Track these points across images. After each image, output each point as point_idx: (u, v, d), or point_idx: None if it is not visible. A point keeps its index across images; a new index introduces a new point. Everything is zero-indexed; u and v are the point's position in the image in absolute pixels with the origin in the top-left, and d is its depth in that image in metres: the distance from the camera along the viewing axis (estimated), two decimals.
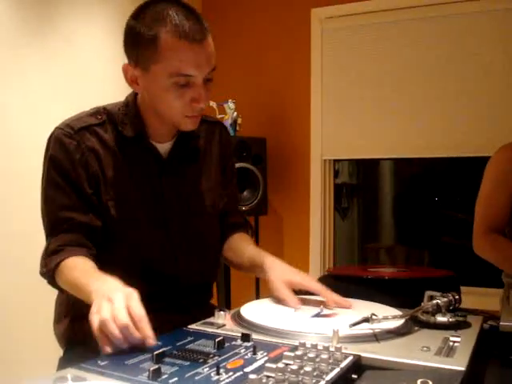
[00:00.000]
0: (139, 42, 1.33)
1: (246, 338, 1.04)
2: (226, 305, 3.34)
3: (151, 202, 1.46)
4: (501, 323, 1.22)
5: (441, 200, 5.22)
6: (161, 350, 0.94)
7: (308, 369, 0.83)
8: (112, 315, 1.02)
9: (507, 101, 3.15)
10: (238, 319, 1.20)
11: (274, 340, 1.05)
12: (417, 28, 3.40)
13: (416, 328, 1.16)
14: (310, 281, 1.39)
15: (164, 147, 1.49)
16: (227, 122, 3.47)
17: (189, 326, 1.17)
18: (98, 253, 1.39)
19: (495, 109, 3.17)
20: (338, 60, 3.60)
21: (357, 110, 3.55)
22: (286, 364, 0.86)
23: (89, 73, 3.08)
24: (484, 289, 3.18)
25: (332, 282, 1.62)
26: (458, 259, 4.12)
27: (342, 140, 3.59)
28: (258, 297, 3.48)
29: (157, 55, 1.31)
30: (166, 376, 0.86)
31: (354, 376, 0.91)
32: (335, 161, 4.35)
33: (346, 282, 1.59)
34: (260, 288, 3.48)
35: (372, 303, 1.32)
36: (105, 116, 1.46)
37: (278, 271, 1.42)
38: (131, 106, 1.46)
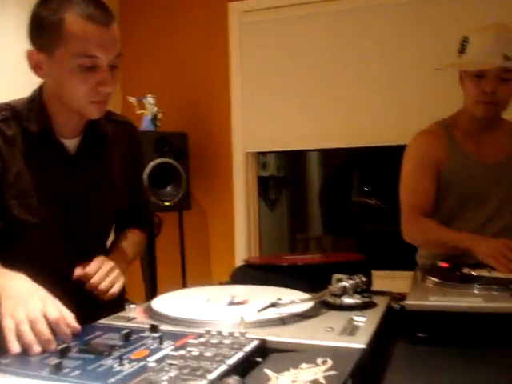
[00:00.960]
0: (44, 27, 1.32)
1: (154, 329, 1.04)
2: (153, 297, 3.32)
3: (57, 201, 1.43)
4: (406, 302, 1.27)
5: (365, 188, 5.33)
6: (65, 345, 0.93)
7: (209, 354, 0.84)
8: (28, 320, 1.01)
9: (422, 90, 3.24)
10: (149, 312, 1.19)
11: (184, 330, 1.05)
12: (333, 20, 3.46)
13: (324, 310, 1.19)
14: None
15: (71, 143, 1.47)
16: (147, 118, 3.44)
17: (98, 321, 1.16)
18: (1, 253, 1.35)
19: (412, 98, 3.27)
20: (257, 53, 3.62)
21: (279, 102, 3.58)
22: (190, 351, 0.87)
23: None
24: (407, 272, 3.27)
25: (249, 271, 1.64)
26: (383, 244, 4.23)
27: (265, 132, 3.61)
28: (184, 276, 3.47)
29: (62, 39, 1.30)
30: (67, 370, 0.85)
31: (259, 359, 0.92)
32: (261, 153, 4.39)
33: (262, 270, 1.61)
34: (186, 278, 3.48)
35: (285, 289, 1.34)
36: (9, 112, 1.43)
37: None
38: (36, 100, 1.44)
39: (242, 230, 3.65)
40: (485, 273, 1.51)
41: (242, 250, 3.61)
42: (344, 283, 1.23)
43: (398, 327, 1.33)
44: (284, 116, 3.58)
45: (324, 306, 1.21)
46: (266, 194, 5.43)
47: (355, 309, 1.19)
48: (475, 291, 1.35)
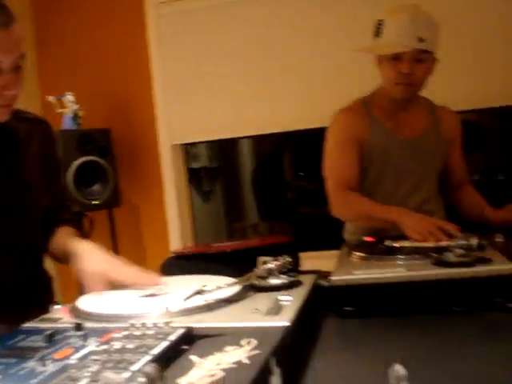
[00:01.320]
0: None
1: (78, 327, 1.02)
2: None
3: None
4: (331, 278, 1.29)
5: (300, 173, 5.37)
6: None
7: (132, 346, 0.84)
8: None
9: (342, 72, 3.28)
10: (75, 311, 1.17)
11: (109, 326, 1.03)
12: (252, 7, 3.47)
13: (251, 293, 1.19)
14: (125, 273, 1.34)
15: None
16: (68, 116, 3.37)
17: (23, 325, 1.13)
18: None
19: (334, 80, 3.31)
20: (177, 44, 3.59)
21: (203, 92, 3.57)
22: (113, 345, 0.86)
23: None
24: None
25: (178, 262, 1.64)
26: (316, 226, 4.28)
27: (191, 123, 3.60)
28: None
29: None
30: None
31: (185, 347, 0.92)
32: (190, 145, 4.37)
33: (191, 260, 1.61)
34: None
35: (212, 276, 1.34)
36: None
37: (89, 260, 1.38)
38: None
39: (175, 223, 3.63)
40: (406, 243, 1.56)
41: (177, 243, 3.60)
42: (269, 265, 1.24)
43: (327, 304, 1.36)
44: (209, 106, 3.57)
45: (251, 289, 1.22)
46: (199, 186, 5.41)
47: (281, 289, 1.20)
48: (399, 262, 1.39)
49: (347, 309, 1.29)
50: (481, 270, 1.24)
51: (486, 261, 1.29)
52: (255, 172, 5.90)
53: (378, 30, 1.95)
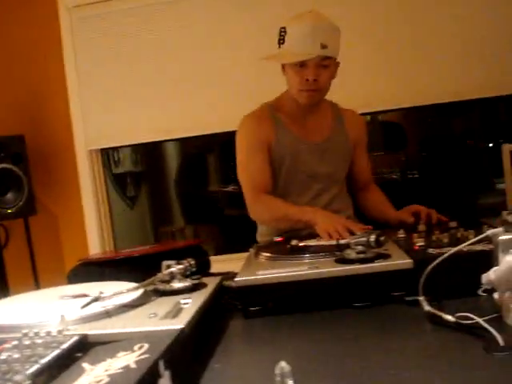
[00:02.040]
0: None
1: None
2: (5, 296, 3.16)
3: None
4: (235, 279, 1.30)
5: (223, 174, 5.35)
6: None
7: (17, 355, 0.82)
8: None
9: (259, 76, 3.29)
10: None
11: (3, 336, 1.01)
12: (168, 9, 3.45)
13: (154, 298, 1.19)
14: None
15: None
16: None
17: None
18: None
19: (250, 84, 3.32)
20: (93, 47, 3.53)
21: (122, 96, 3.52)
22: (1, 356, 0.84)
23: None
24: None
25: (85, 269, 1.61)
26: (240, 228, 4.29)
27: (109, 128, 3.54)
28: (37, 286, 3.33)
29: None
30: None
31: (79, 354, 0.91)
32: (112, 150, 4.29)
33: (100, 266, 1.59)
34: (41, 286, 3.34)
35: (115, 282, 1.33)
36: None
37: None
38: None
39: (94, 230, 3.56)
40: (311, 242, 1.59)
41: (96, 251, 3.53)
42: (172, 269, 1.24)
43: (234, 304, 1.37)
44: (129, 110, 3.52)
45: (155, 294, 1.22)
46: (124, 191, 5.32)
47: (184, 292, 1.20)
48: (304, 261, 1.41)
49: (252, 309, 1.30)
50: (379, 265, 1.28)
51: (385, 256, 1.33)
52: (180, 176, 5.85)
53: (281, 38, 1.96)
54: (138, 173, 5.58)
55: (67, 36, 3.53)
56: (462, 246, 1.16)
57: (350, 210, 2.23)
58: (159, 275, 1.23)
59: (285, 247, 1.58)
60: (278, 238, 1.75)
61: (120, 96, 3.52)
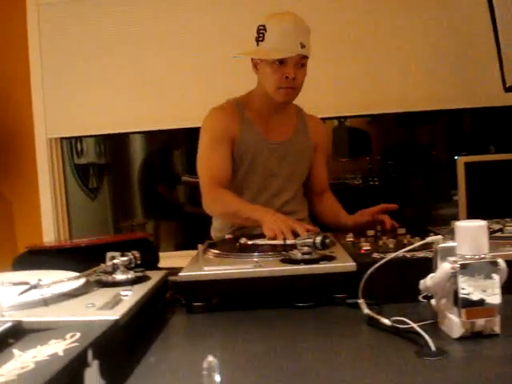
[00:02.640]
0: None
1: None
2: None
3: None
4: (180, 274, 1.30)
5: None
6: None
7: None
8: None
9: (228, 72, 3.28)
10: None
11: None
12: (135, 1, 3.42)
13: (95, 288, 1.18)
14: None
15: None
16: None
17: None
18: None
19: (223, 81, 3.31)
20: (59, 34, 3.47)
21: (88, 86, 3.47)
22: None
23: None
24: None
25: (31, 257, 1.59)
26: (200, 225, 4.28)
27: (73, 117, 3.48)
28: None
29: None
30: None
31: (11, 340, 0.90)
32: (75, 140, 4.25)
33: (45, 255, 1.57)
34: None
35: (57, 271, 1.31)
36: None
37: None
38: None
39: (49, 218, 3.51)
40: (260, 241, 1.59)
41: (51, 240, 3.48)
42: (115, 260, 1.23)
43: (178, 299, 1.37)
44: (95, 100, 3.47)
45: (97, 285, 1.21)
46: (86, 183, 5.27)
47: (125, 284, 1.19)
48: (252, 259, 1.41)
49: (196, 304, 1.30)
50: (323, 267, 1.29)
51: (329, 258, 1.34)
52: (144, 170, 5.80)
53: (260, 35, 1.98)
54: (102, 165, 5.53)
55: (33, 23, 3.47)
56: (401, 252, 1.17)
57: (306, 212, 2.25)
58: (102, 266, 1.23)
59: (234, 245, 1.58)
60: (229, 236, 1.75)
61: (85, 85, 3.47)
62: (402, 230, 1.69)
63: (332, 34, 3.32)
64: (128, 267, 1.25)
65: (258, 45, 1.99)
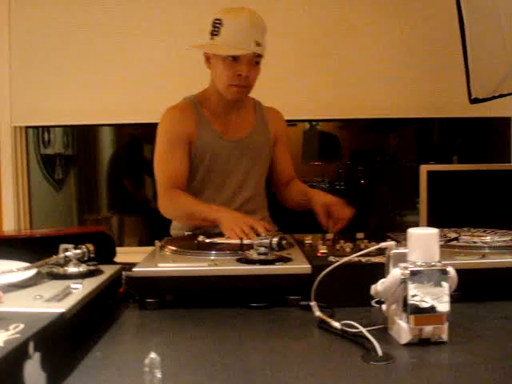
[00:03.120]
0: None
1: None
2: None
3: None
4: (134, 269, 1.29)
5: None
6: None
7: None
8: None
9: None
10: None
11: None
12: None
13: (46, 280, 1.16)
14: None
15: None
16: None
17: None
18: None
19: (192, 75, 3.25)
20: (30, 23, 3.40)
21: (57, 75, 3.38)
22: None
23: None
24: None
25: None
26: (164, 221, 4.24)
27: (37, 106, 3.41)
28: None
29: None
30: None
31: None
32: (42, 129, 4.17)
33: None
34: None
35: (7, 261, 1.28)
36: None
37: None
38: None
39: (10, 208, 3.44)
40: (218, 240, 1.58)
41: (10, 229, 3.41)
42: (67, 253, 1.21)
43: (132, 294, 1.36)
44: (61, 90, 3.40)
45: (48, 276, 1.19)
46: (51, 174, 5.19)
47: (77, 277, 1.18)
48: (209, 257, 1.41)
49: (149, 300, 1.29)
50: (277, 268, 1.29)
51: (285, 260, 1.34)
52: (112, 163, 5.75)
53: (215, 29, 1.93)
54: (69, 156, 5.46)
55: (2, 9, 3.39)
56: (354, 256, 1.18)
57: (266, 211, 2.23)
58: (54, 258, 1.21)
59: (192, 243, 1.57)
60: (189, 233, 1.74)
61: (54, 74, 3.39)
62: (360, 235, 1.69)
63: (305, 37, 3.32)
64: (81, 260, 1.24)
65: (212, 38, 1.94)
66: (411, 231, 1.02)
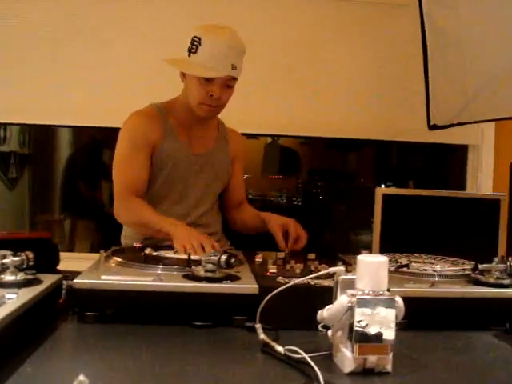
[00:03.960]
0: None
1: None
2: None
3: None
4: (75, 280, 1.24)
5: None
6: None
7: None
8: None
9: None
10: None
11: None
12: None
13: None
14: None
15: None
16: None
17: None
18: None
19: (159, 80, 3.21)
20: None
21: (12, 70, 3.29)
22: None
23: None
24: None
25: None
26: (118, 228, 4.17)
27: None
28: None
29: None
30: None
31: None
32: None
33: None
34: None
35: None
36: None
37: None
38: None
39: None
40: (166, 253, 1.54)
41: None
42: (4, 260, 1.16)
43: (72, 306, 1.31)
44: (17, 86, 3.30)
45: None
46: (5, 172, 5.07)
47: (12, 286, 1.12)
48: (155, 271, 1.37)
49: (89, 314, 1.24)
50: (223, 286, 1.26)
51: (233, 278, 1.31)
52: (69, 165, 5.64)
53: (193, 47, 1.90)
54: (24, 154, 5.33)
55: None
56: (302, 280, 1.15)
57: (219, 225, 2.22)
58: None
59: (139, 254, 1.52)
60: (138, 244, 1.70)
61: (12, 70, 3.30)
62: (311, 255, 1.68)
63: (272, 53, 3.30)
64: (19, 268, 1.18)
65: (189, 55, 1.91)
66: (361, 258, 1.00)
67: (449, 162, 4.05)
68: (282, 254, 1.68)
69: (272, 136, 4.96)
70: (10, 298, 1.03)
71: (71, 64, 3.30)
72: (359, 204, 4.57)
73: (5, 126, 4.52)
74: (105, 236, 4.86)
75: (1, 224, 4.53)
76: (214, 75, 1.89)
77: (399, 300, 1.01)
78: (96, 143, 5.06)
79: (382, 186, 4.98)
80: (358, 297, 0.97)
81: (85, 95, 3.30)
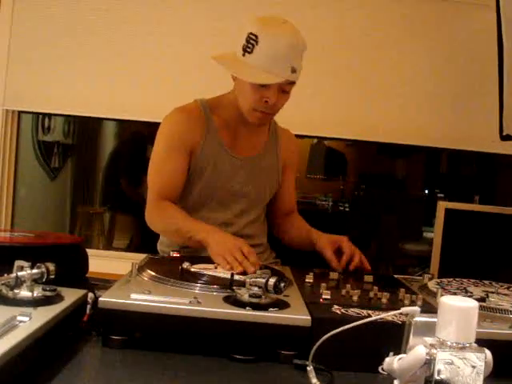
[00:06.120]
0: None
1: None
2: None
3: None
4: (100, 299, 1.08)
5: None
6: None
7: None
8: None
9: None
10: None
11: None
12: None
13: None
14: None
15: None
16: None
17: None
18: None
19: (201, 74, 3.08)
20: (35, 5, 3.21)
21: (58, 62, 3.19)
22: None
23: None
24: None
25: None
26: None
27: (33, 91, 3.21)
28: None
29: None
30: None
31: None
32: (44, 116, 3.99)
33: None
34: None
35: None
36: None
37: None
38: None
39: None
40: (207, 270, 1.37)
41: None
42: (21, 272, 1.00)
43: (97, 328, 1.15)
44: (62, 78, 3.20)
45: None
46: (48, 161, 5.02)
47: (28, 304, 0.97)
48: (192, 290, 1.20)
49: (115, 337, 1.08)
50: (271, 315, 1.08)
51: (282, 305, 1.13)
52: (112, 158, 5.57)
53: (249, 46, 1.67)
54: (68, 145, 5.29)
55: None
56: (367, 321, 0.96)
57: (265, 237, 2.00)
58: (4, 277, 1.00)
59: (176, 268, 1.36)
60: (175, 254, 1.53)
61: (57, 61, 3.20)
62: (369, 278, 1.49)
63: (326, 53, 3.12)
64: (38, 282, 1.03)
65: (243, 55, 1.68)
66: (445, 301, 0.81)
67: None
68: (335, 275, 1.50)
69: (318, 138, 4.79)
70: (22, 321, 0.88)
71: (115, 55, 3.20)
72: (409, 212, 4.38)
73: (50, 115, 4.47)
74: (143, 233, 4.74)
75: (42, 213, 4.47)
76: (271, 81, 1.66)
77: (488, 354, 0.82)
78: (141, 138, 4.95)
79: (425, 191, 4.78)
80: (439, 350, 0.78)
81: (131, 88, 3.19)
